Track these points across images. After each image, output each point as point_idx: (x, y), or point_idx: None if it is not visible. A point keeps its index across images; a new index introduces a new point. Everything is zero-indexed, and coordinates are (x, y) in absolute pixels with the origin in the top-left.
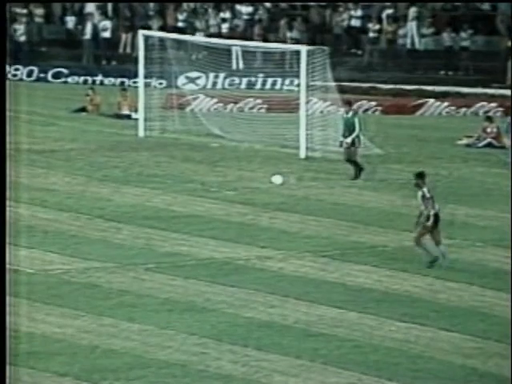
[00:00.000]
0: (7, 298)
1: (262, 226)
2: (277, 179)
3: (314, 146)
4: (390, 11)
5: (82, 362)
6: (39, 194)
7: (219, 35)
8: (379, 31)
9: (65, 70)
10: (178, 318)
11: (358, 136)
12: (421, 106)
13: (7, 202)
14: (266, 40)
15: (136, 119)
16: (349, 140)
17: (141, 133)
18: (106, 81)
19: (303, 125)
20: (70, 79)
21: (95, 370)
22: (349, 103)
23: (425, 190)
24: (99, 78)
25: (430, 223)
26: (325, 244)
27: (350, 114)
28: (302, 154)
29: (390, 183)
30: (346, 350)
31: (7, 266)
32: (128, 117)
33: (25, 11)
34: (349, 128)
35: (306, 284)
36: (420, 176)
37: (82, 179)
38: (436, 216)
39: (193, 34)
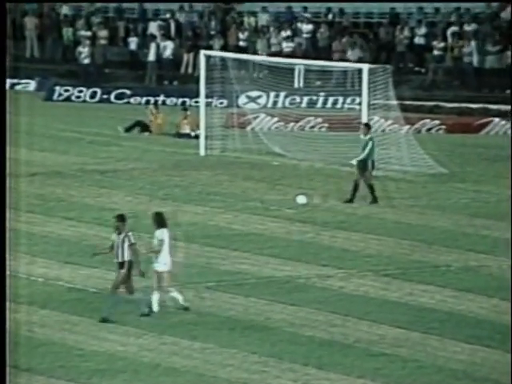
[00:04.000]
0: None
1: (322, 245)
2: (301, 199)
3: (376, 165)
4: (455, 28)
5: (145, 380)
6: (102, 213)
7: (280, 54)
8: (444, 49)
9: (127, 91)
10: (238, 336)
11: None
12: (486, 124)
13: (70, 222)
14: (327, 58)
15: (197, 138)
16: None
17: (202, 152)
18: (168, 101)
19: None
20: (132, 100)
21: None
22: (366, 126)
23: (129, 234)
24: (161, 98)
25: (124, 270)
26: (386, 263)
27: (367, 136)
28: None
29: (454, 202)
30: (409, 370)
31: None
32: (189, 136)
33: (89, 34)
34: (363, 150)
35: (368, 303)
36: (121, 219)
37: (144, 198)
38: (130, 263)
39: (254, 53)
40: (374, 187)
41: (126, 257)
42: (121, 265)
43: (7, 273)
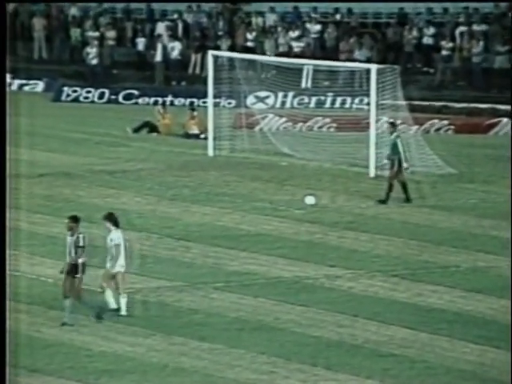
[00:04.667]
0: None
1: (330, 245)
2: (309, 200)
3: (384, 166)
4: (463, 28)
5: (153, 381)
6: None
7: (288, 54)
8: (452, 49)
9: (135, 92)
10: (247, 336)
11: (389, 158)
12: (494, 125)
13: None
14: (334, 58)
15: (205, 139)
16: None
17: (210, 152)
18: (176, 101)
19: (373, 144)
20: (140, 100)
21: None
22: (392, 124)
23: (80, 236)
24: (169, 98)
25: (79, 275)
26: (395, 263)
27: (394, 135)
28: (372, 173)
29: (463, 202)
30: (417, 371)
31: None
32: (197, 136)
33: (97, 34)
34: (392, 150)
35: (376, 304)
36: (74, 220)
37: (152, 199)
38: (84, 265)
39: (262, 53)
40: (392, 187)
41: (76, 259)
42: (71, 267)
43: (16, 274)
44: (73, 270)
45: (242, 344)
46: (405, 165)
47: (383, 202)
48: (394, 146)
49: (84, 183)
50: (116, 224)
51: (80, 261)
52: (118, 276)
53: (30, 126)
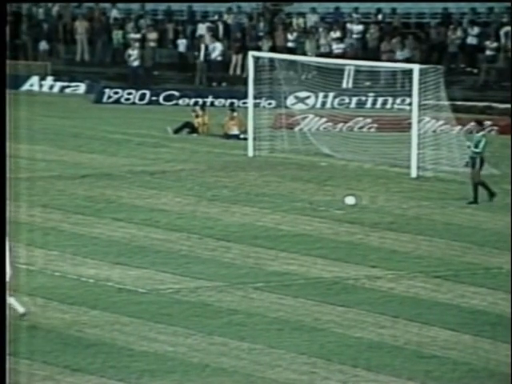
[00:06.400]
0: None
1: (371, 246)
2: (350, 200)
3: (426, 166)
4: (508, 28)
5: (194, 380)
6: (151, 214)
7: (329, 55)
8: (497, 49)
9: (176, 93)
10: (287, 337)
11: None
12: None
13: (120, 223)
14: (376, 59)
15: (245, 139)
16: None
17: (250, 153)
18: (217, 102)
19: (415, 144)
20: (181, 101)
21: None
22: (479, 123)
23: None
24: (210, 99)
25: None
26: (437, 264)
27: (480, 133)
28: (413, 173)
29: (506, 204)
30: (460, 373)
31: (119, 286)
32: (237, 137)
33: (138, 36)
34: (476, 147)
35: (418, 305)
36: None
37: (193, 199)
38: None
39: (303, 54)
40: (478, 187)
41: None
42: None
43: (58, 274)
44: None
45: (281, 344)
46: (485, 164)
47: (473, 202)
48: (478, 145)
49: (125, 184)
50: None
51: None
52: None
53: (72, 127)
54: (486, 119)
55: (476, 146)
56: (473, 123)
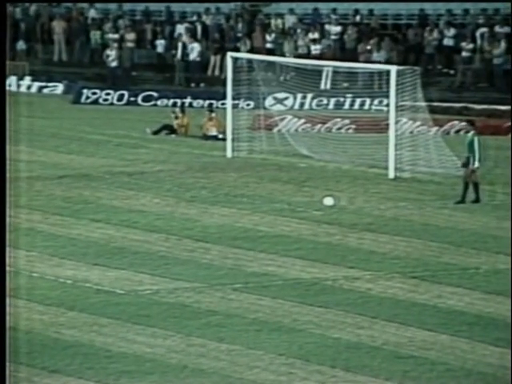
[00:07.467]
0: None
1: (349, 247)
2: (328, 201)
3: (403, 167)
4: (484, 30)
5: (173, 382)
6: (130, 215)
7: (308, 56)
8: (473, 50)
9: (154, 94)
10: (265, 337)
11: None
12: None
13: (98, 224)
14: (354, 60)
15: (223, 140)
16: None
17: (229, 154)
18: (195, 103)
19: (392, 145)
20: (159, 102)
21: None
22: (471, 123)
23: None
24: (188, 100)
25: None
26: (414, 265)
27: (471, 134)
28: (391, 174)
29: (483, 204)
30: (437, 373)
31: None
32: (215, 138)
33: (116, 36)
34: (469, 149)
35: (395, 305)
36: None
37: (171, 200)
38: None
39: (281, 55)
40: (468, 187)
41: None
42: None
43: (35, 275)
44: None
45: (260, 345)
46: (476, 164)
47: (461, 202)
48: (471, 145)
49: (103, 185)
50: None
51: None
52: None
53: (50, 128)
54: (462, 120)
55: (470, 146)
56: (464, 123)
